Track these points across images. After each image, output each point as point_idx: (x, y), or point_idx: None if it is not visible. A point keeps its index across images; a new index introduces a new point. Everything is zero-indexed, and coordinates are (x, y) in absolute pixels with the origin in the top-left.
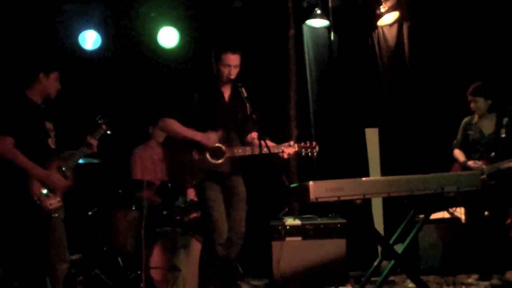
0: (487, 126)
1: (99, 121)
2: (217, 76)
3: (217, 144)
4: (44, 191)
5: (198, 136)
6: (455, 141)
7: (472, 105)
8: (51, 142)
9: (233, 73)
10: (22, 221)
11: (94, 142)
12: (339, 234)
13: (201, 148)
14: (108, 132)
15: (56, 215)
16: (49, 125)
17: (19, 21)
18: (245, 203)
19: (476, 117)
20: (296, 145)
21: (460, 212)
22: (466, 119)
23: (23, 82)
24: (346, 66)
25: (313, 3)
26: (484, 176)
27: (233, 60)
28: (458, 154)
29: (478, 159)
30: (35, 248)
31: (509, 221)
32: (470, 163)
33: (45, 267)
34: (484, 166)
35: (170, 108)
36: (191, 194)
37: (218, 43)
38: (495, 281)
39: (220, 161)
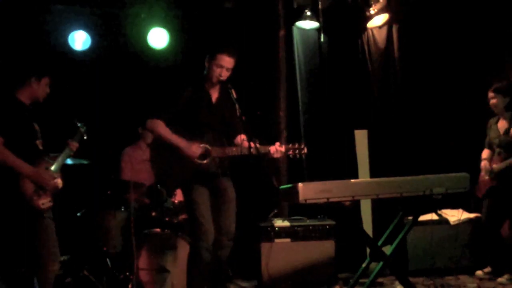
0: (503, 126)
1: (78, 124)
2: (207, 77)
3: (202, 145)
4: (35, 190)
5: (181, 144)
6: (485, 142)
7: (491, 102)
8: (39, 143)
9: (224, 75)
10: (15, 221)
11: (74, 146)
12: (328, 236)
13: None
14: (85, 137)
15: (48, 214)
16: (36, 126)
17: (7, 22)
18: (235, 205)
19: (496, 118)
20: (283, 146)
21: (447, 214)
22: (490, 120)
23: (14, 83)
24: (335, 67)
25: (303, 4)
26: (492, 175)
27: (227, 62)
28: (484, 153)
29: (496, 158)
30: (27, 248)
31: None
32: (482, 163)
33: (36, 267)
34: (494, 165)
35: (159, 109)
36: (180, 195)
37: (217, 43)
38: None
39: (205, 161)
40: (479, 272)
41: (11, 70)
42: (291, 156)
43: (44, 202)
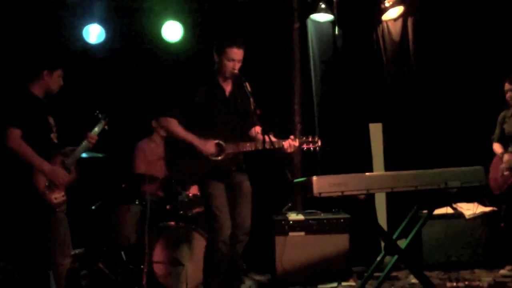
0: None
1: (98, 116)
2: (219, 71)
3: (216, 141)
4: (48, 184)
5: (195, 141)
6: (493, 136)
7: (508, 94)
8: (53, 137)
9: (237, 67)
10: (28, 215)
11: (93, 138)
12: (342, 229)
13: None
14: (106, 127)
15: (62, 209)
16: (50, 119)
17: (23, 15)
18: (250, 199)
19: (511, 110)
20: (297, 139)
21: (462, 207)
22: (502, 113)
23: (27, 77)
24: (350, 60)
25: None
26: None
27: (238, 54)
28: (497, 147)
29: None
30: (40, 242)
31: None
32: (506, 156)
33: (49, 261)
34: None
35: (171, 106)
36: (195, 188)
37: (223, 37)
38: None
39: (220, 157)
40: (503, 271)
41: (24, 64)
42: (305, 149)
43: (57, 196)
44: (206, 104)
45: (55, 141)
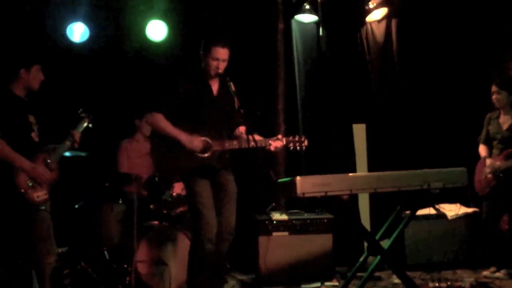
0: (505, 121)
1: (82, 114)
2: (205, 70)
3: (203, 138)
4: (30, 183)
5: (182, 137)
6: (479, 137)
7: (494, 96)
8: (34, 136)
9: (222, 67)
10: (9, 214)
11: (77, 136)
12: (326, 230)
13: None
14: (90, 125)
15: (43, 207)
16: (31, 118)
17: (5, 13)
18: (236, 198)
19: (497, 112)
20: (284, 138)
21: (444, 208)
22: (489, 114)
23: (7, 77)
24: (334, 61)
25: None
26: (499, 172)
27: (222, 54)
28: (482, 149)
29: (498, 155)
30: (22, 241)
31: None
32: (488, 161)
33: (32, 260)
34: (498, 163)
35: (158, 102)
36: (178, 188)
37: (208, 36)
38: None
39: (206, 154)
40: (485, 272)
41: (2, 64)
42: (291, 148)
43: (39, 195)
44: (194, 101)
45: (36, 140)
